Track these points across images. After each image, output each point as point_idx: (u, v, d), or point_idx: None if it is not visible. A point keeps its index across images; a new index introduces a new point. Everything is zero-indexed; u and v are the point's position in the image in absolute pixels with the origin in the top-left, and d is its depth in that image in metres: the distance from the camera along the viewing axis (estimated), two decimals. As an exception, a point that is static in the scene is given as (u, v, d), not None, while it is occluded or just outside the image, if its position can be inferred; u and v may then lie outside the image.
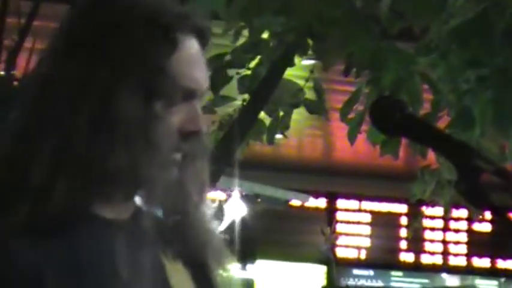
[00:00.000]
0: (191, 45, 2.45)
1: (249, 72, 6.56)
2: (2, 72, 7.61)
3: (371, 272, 12.86)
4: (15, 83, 7.71)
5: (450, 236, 12.71)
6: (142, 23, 2.40)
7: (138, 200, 2.47)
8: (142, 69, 2.37)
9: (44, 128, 2.35)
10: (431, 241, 12.99)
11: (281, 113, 6.87)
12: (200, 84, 2.44)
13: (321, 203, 12.88)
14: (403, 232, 12.79)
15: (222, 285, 2.53)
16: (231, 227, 9.29)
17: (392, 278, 12.83)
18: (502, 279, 12.58)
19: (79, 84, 2.35)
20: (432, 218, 12.69)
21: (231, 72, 6.50)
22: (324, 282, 13.25)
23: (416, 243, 12.89)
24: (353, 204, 12.68)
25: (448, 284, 12.68)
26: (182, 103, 2.41)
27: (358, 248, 13.08)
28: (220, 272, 2.53)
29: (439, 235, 12.89)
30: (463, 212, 12.27)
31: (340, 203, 12.71)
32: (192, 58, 2.45)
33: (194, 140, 2.43)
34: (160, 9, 2.44)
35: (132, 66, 2.37)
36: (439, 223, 12.78)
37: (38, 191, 2.28)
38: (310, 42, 6.36)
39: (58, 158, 2.31)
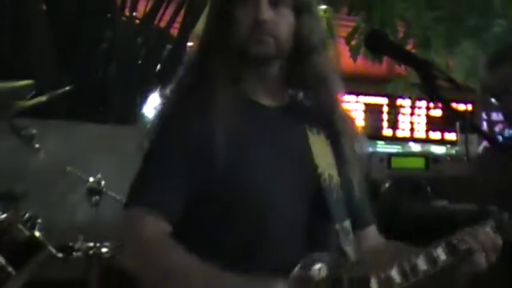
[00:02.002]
0: None
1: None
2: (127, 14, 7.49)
3: (364, 142, 12.83)
4: (137, 21, 7.60)
5: (415, 118, 12.62)
6: None
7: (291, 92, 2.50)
8: None
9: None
10: (403, 122, 12.90)
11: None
12: None
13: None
14: (385, 116, 12.70)
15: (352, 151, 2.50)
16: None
17: (378, 146, 12.74)
18: (448, 146, 12.55)
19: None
20: (403, 107, 12.66)
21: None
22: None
23: (393, 123, 12.80)
24: (352, 98, 12.56)
25: (413, 149, 12.63)
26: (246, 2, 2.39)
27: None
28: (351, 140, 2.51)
29: (407, 118, 12.80)
30: (423, 103, 12.18)
31: (345, 97, 12.62)
32: None
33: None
34: None
35: None
36: (408, 110, 12.69)
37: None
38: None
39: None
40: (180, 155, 2.27)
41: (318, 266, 2.15)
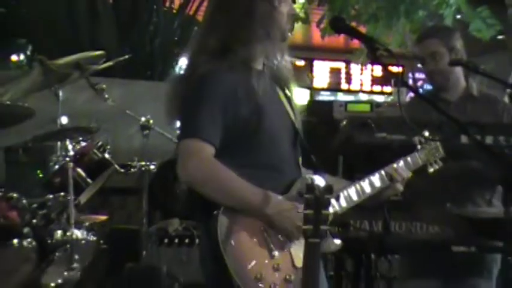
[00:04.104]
0: None
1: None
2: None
3: (329, 93, 12.72)
4: (174, 11, 7.58)
5: (363, 77, 12.52)
6: None
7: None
8: None
9: (225, 24, 2.27)
10: (355, 79, 12.79)
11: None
12: None
13: (307, 62, 12.71)
14: (343, 75, 12.61)
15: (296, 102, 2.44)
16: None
17: (338, 96, 12.70)
18: (386, 95, 12.48)
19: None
20: (355, 69, 12.51)
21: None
22: (309, 98, 13.27)
23: (349, 80, 12.72)
24: (321, 63, 12.45)
25: (362, 98, 12.57)
26: (284, 1, 2.31)
27: (323, 82, 13.00)
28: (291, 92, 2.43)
29: (358, 76, 12.71)
30: (369, 66, 12.06)
31: (316, 63, 12.44)
32: None
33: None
34: None
35: None
36: (358, 71, 12.58)
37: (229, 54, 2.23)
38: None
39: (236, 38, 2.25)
40: (219, 101, 2.18)
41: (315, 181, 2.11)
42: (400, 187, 2.44)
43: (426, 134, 2.57)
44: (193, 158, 2.15)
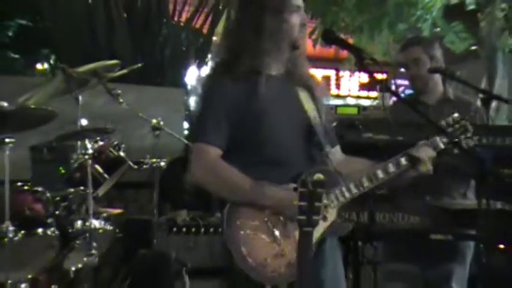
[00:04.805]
0: None
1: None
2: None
3: (320, 97, 12.62)
4: (181, 24, 7.56)
5: (351, 83, 12.42)
6: None
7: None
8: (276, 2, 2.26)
9: (236, 37, 2.28)
10: (343, 85, 12.73)
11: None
12: (301, 2, 2.31)
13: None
14: (333, 82, 12.56)
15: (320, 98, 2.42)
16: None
17: (330, 101, 12.65)
18: (372, 100, 12.42)
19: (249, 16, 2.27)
20: (343, 76, 12.43)
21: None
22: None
23: (338, 86, 12.67)
24: (313, 71, 12.31)
25: (350, 102, 12.50)
26: (296, 12, 2.28)
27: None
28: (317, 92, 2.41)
29: (346, 82, 12.65)
30: (356, 73, 12.01)
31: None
32: None
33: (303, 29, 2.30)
34: None
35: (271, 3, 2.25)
36: (347, 78, 12.52)
37: (237, 63, 2.23)
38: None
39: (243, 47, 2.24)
40: (223, 108, 2.20)
41: (316, 175, 2.10)
42: (427, 166, 2.34)
43: (456, 115, 2.50)
44: (199, 160, 2.18)
